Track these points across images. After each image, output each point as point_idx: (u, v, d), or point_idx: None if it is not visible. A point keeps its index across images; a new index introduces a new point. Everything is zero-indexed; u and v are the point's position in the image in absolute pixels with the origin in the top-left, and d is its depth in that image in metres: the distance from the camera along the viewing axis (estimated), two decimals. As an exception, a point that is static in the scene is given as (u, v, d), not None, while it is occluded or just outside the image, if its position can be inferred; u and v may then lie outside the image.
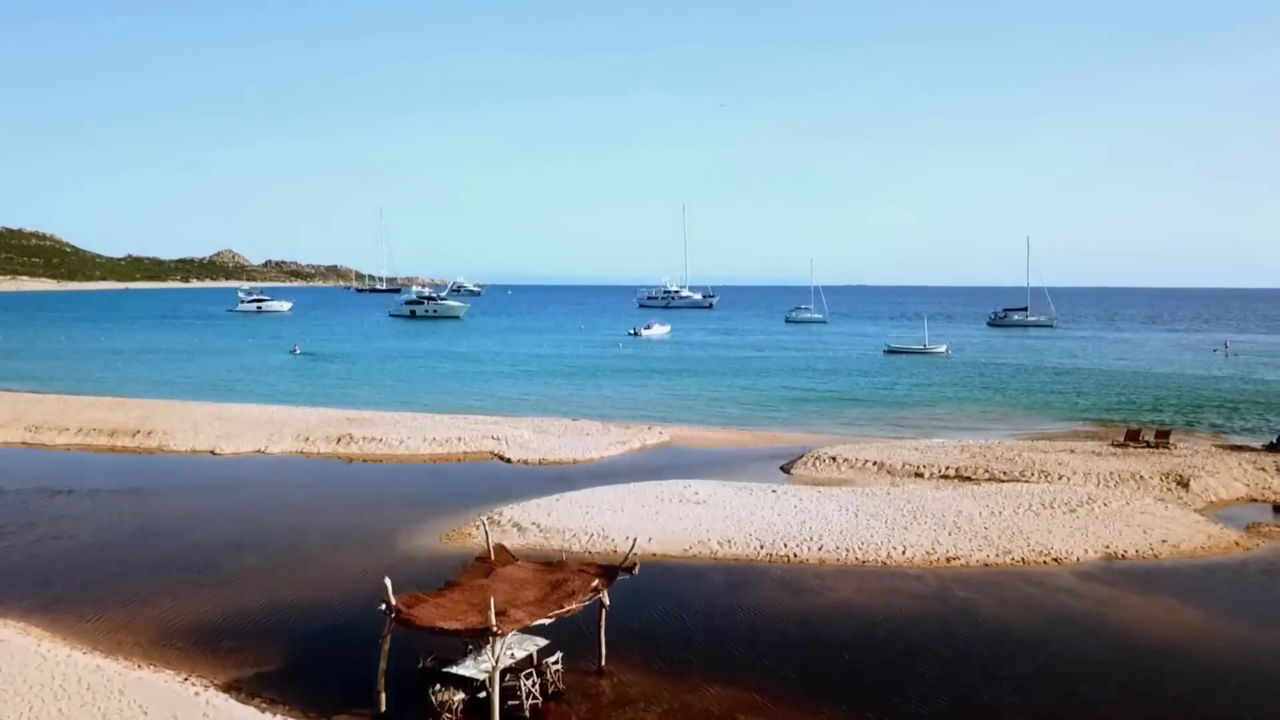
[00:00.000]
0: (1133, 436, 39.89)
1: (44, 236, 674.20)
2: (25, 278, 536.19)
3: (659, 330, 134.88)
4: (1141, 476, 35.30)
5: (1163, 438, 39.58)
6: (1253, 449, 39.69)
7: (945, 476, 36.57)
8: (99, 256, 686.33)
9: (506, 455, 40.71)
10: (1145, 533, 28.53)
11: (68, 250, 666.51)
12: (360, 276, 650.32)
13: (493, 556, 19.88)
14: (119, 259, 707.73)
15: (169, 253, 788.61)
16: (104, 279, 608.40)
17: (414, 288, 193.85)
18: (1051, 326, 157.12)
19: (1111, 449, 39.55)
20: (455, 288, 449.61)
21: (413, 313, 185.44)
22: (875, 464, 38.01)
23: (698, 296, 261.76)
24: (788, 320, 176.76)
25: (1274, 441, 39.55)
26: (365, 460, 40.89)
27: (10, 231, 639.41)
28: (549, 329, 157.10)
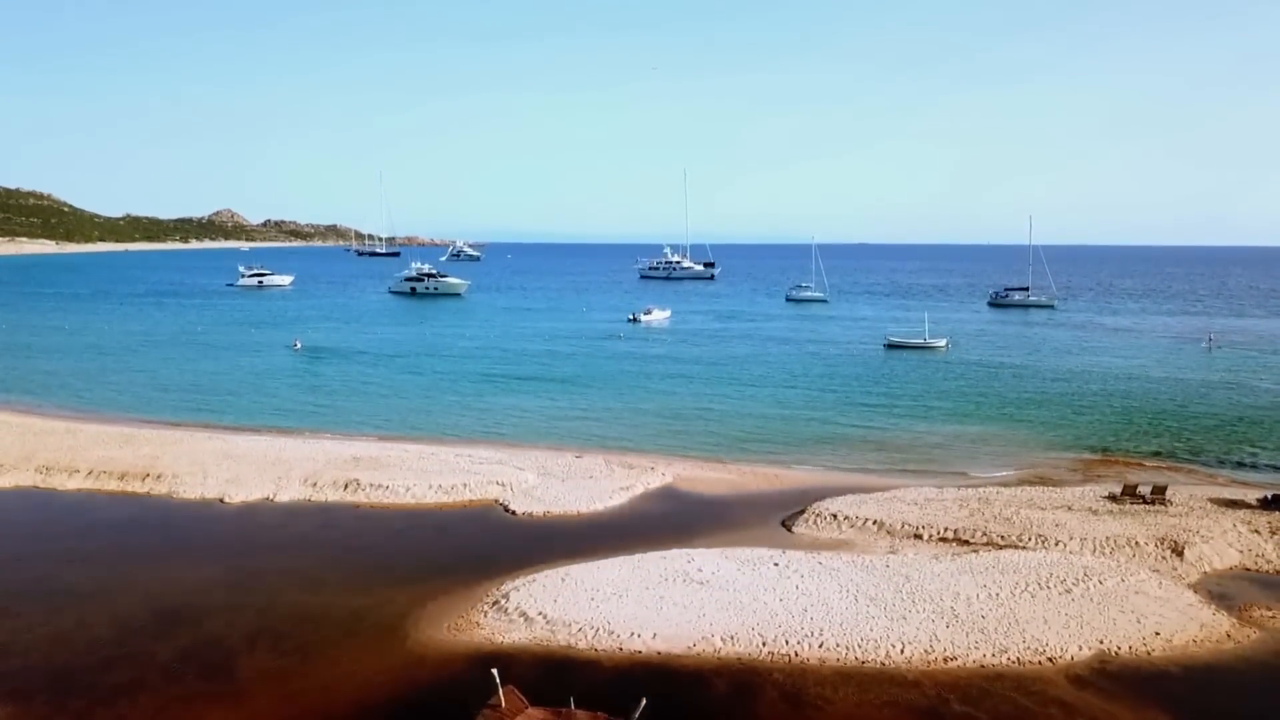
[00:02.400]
0: (1129, 492, 40.48)
1: (41, 196, 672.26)
2: (24, 239, 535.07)
3: (659, 315, 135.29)
4: (1137, 543, 35.91)
5: (1159, 493, 40.17)
6: (1247, 505, 40.21)
7: (944, 539, 37.17)
8: (97, 216, 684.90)
9: (511, 507, 41.26)
10: (1139, 622, 29.15)
11: (65, 210, 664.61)
12: (360, 236, 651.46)
13: (503, 703, 20.49)
14: (117, 218, 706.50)
15: (167, 212, 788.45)
16: (102, 239, 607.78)
17: (413, 264, 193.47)
18: (1052, 307, 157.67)
19: (1108, 505, 40.11)
20: (455, 252, 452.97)
21: (413, 290, 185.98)
22: (875, 523, 38.61)
23: (699, 267, 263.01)
24: (788, 299, 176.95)
25: (1268, 497, 40.06)
26: (372, 508, 41.52)
27: (8, 191, 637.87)
28: (549, 309, 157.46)
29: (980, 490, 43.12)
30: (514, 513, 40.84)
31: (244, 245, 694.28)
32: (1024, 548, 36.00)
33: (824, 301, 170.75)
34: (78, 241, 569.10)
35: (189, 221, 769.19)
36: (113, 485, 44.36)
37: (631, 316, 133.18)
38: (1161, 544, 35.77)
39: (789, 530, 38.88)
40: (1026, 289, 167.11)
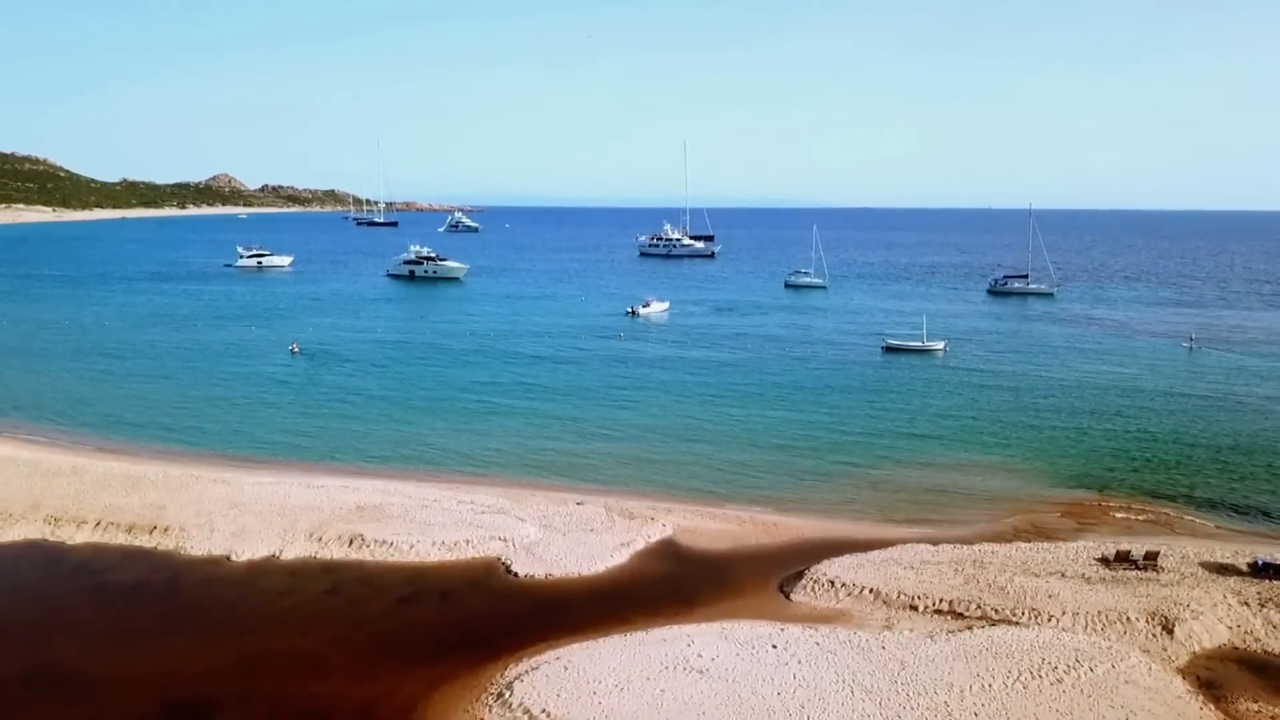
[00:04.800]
0: (1122, 557, 41.17)
1: (37, 161, 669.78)
2: (21, 206, 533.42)
3: (657, 308, 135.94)
4: (1128, 618, 36.60)
5: (1151, 559, 40.88)
6: (1238, 570, 40.87)
7: (939, 611, 37.86)
8: (93, 181, 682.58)
9: (513, 568, 41.86)
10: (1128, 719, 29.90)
11: (62, 175, 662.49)
12: (359, 202, 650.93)
13: None
14: (114, 184, 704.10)
15: (164, 177, 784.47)
16: (100, 206, 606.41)
17: (412, 246, 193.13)
18: (1051, 295, 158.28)
19: (1101, 571, 40.75)
20: (454, 223, 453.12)
21: (411, 273, 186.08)
22: (871, 592, 39.29)
23: (699, 244, 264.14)
24: (787, 285, 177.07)
25: (1258, 563, 40.74)
26: (377, 566, 42.21)
27: (3, 156, 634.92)
28: (546, 297, 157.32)
29: (975, 549, 43.69)
30: (516, 574, 41.45)
31: (241, 212, 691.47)
32: (1017, 623, 36.69)
33: (823, 289, 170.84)
34: (75, 208, 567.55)
35: (186, 186, 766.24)
36: (121, 538, 44.97)
37: (630, 310, 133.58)
38: (1152, 619, 36.46)
39: (787, 598, 39.56)
40: (1026, 276, 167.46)
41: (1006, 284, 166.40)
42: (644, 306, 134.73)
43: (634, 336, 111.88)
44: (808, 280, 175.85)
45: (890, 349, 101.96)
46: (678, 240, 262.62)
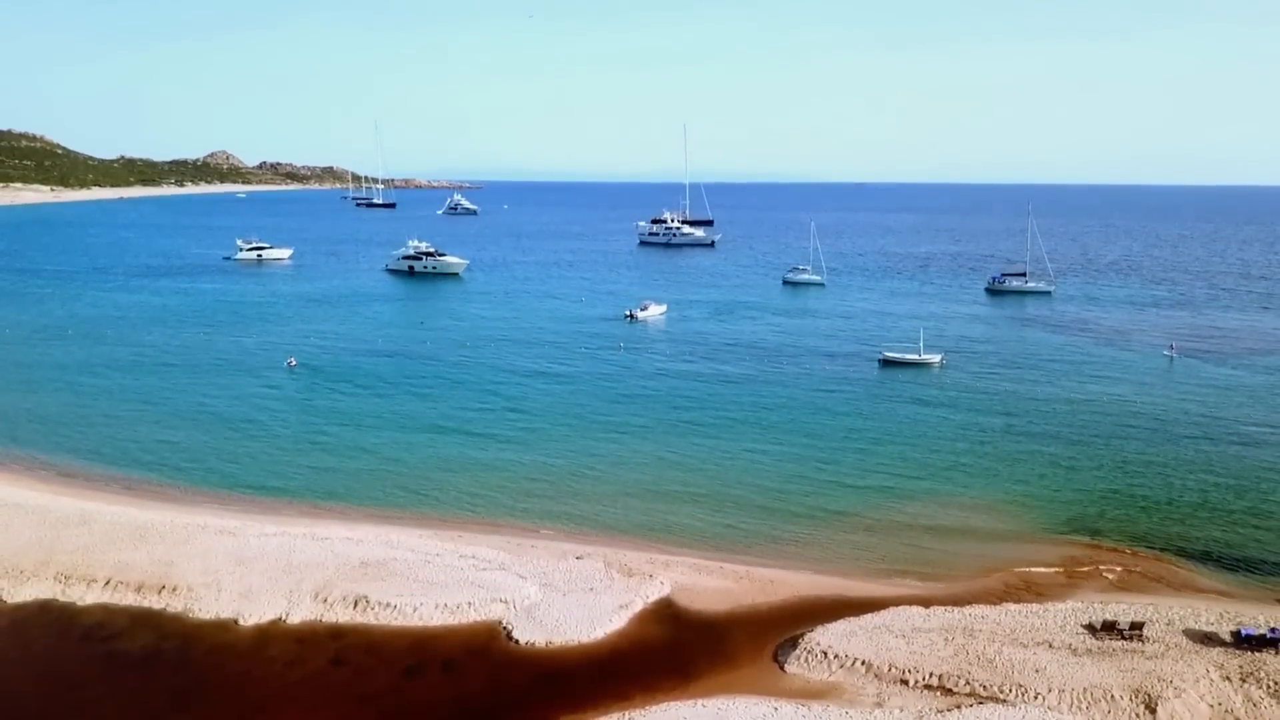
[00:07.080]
0: (1108, 627, 42.20)
1: (34, 138, 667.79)
2: (18, 185, 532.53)
3: (655, 311, 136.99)
4: (1113, 696, 37.66)
5: (1136, 629, 41.92)
6: (1221, 641, 41.88)
7: (929, 686, 38.91)
8: (91, 159, 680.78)
9: (514, 633, 42.83)
10: (1108, 816, 30.99)
11: (59, 152, 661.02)
12: (357, 179, 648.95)
13: None
14: (111, 161, 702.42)
15: (161, 154, 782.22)
16: (97, 184, 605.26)
17: (411, 242, 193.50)
18: (1049, 295, 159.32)
19: (1087, 642, 41.76)
20: (453, 206, 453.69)
21: (410, 269, 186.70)
22: (863, 664, 40.30)
23: (699, 233, 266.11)
24: (785, 282, 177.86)
25: (1239, 633, 41.76)
26: (382, 632, 43.25)
27: (0, 134, 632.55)
28: (544, 296, 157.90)
29: (966, 613, 44.67)
30: (517, 641, 42.43)
31: (240, 190, 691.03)
32: (1004, 700, 37.75)
33: (820, 285, 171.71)
34: (73, 187, 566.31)
35: (184, 164, 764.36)
36: (130, 598, 45.95)
37: (629, 313, 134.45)
38: (1136, 697, 37.51)
39: (782, 669, 40.60)
40: (1024, 275, 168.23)
41: (1004, 282, 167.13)
42: (642, 310, 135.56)
43: (632, 348, 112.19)
44: (805, 277, 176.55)
45: (887, 362, 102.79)
46: (678, 229, 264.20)
